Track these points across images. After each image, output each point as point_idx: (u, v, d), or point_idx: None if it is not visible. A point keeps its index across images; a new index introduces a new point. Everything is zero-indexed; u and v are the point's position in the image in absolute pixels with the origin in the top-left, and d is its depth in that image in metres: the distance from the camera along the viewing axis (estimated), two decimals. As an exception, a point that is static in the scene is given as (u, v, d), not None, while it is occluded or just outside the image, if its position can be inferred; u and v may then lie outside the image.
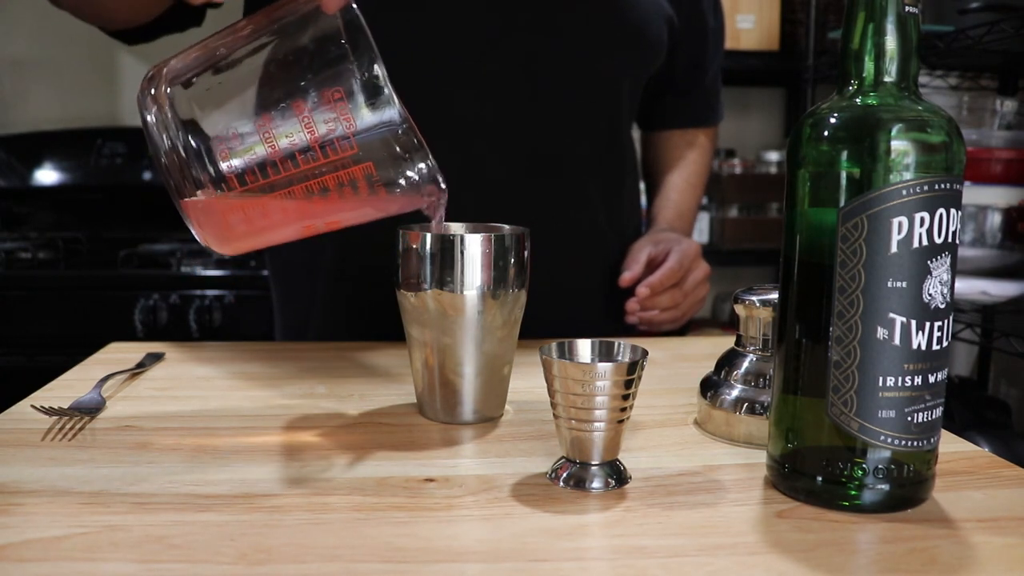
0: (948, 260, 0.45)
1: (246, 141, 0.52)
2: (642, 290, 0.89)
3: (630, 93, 0.96)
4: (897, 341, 0.45)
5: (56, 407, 0.62)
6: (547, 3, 0.87)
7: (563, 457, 0.52)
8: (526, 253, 0.62)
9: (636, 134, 1.06)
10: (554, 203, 0.91)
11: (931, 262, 0.45)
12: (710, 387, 0.61)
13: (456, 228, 0.66)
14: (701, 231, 2.12)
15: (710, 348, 0.86)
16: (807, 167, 0.47)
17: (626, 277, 0.92)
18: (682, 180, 1.09)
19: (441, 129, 0.85)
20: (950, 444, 0.59)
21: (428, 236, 0.59)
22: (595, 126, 0.94)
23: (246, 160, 0.52)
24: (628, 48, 0.92)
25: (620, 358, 0.52)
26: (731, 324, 2.16)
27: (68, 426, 0.60)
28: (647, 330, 0.95)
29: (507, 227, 0.65)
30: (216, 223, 0.55)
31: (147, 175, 2.07)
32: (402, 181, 0.55)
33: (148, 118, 0.53)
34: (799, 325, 0.48)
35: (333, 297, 0.93)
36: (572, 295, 0.94)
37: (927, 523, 0.46)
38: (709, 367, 0.64)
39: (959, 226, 0.46)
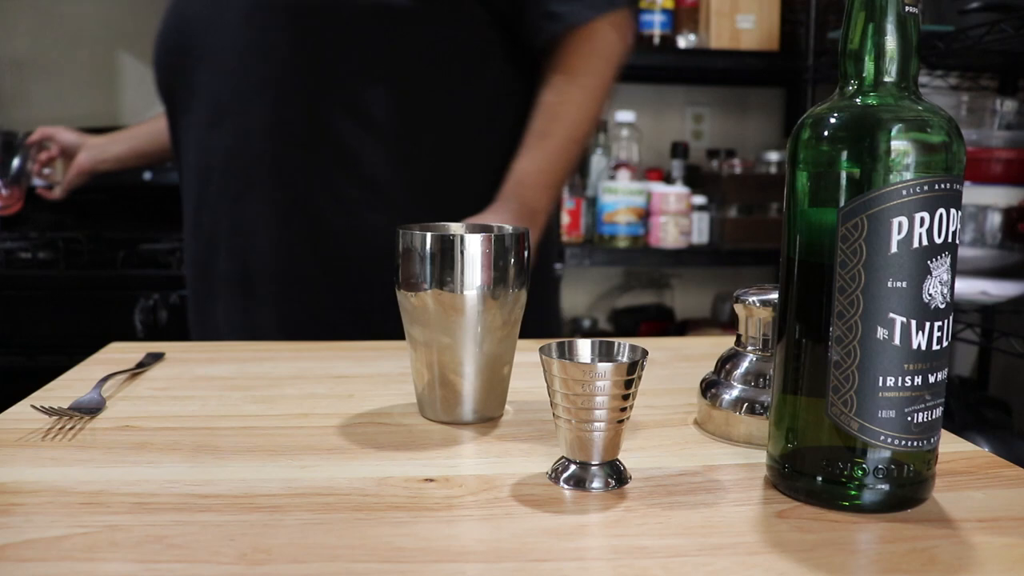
0: (948, 260, 0.45)
1: None
2: None
3: (413, 69, 0.89)
4: (897, 341, 0.45)
5: (56, 407, 0.62)
6: None
7: (563, 457, 0.52)
8: (526, 253, 0.62)
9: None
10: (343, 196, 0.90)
11: (931, 262, 0.45)
12: (710, 387, 0.61)
13: (456, 228, 0.66)
14: (701, 231, 2.10)
15: (710, 348, 0.86)
16: (807, 167, 0.47)
17: None
18: (530, 136, 0.91)
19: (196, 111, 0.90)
20: (950, 444, 0.59)
21: (428, 236, 0.59)
22: (374, 110, 0.89)
23: None
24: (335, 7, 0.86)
25: (620, 358, 0.52)
26: (731, 324, 2.16)
27: (68, 426, 0.60)
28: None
29: (508, 227, 0.65)
30: None
31: (147, 175, 2.07)
32: None
33: None
34: (799, 325, 0.48)
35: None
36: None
37: (927, 523, 0.46)
38: (709, 367, 0.64)
39: (959, 226, 0.46)
